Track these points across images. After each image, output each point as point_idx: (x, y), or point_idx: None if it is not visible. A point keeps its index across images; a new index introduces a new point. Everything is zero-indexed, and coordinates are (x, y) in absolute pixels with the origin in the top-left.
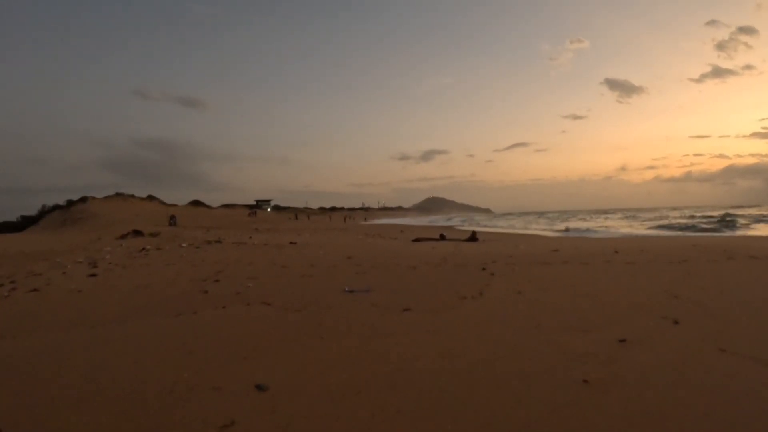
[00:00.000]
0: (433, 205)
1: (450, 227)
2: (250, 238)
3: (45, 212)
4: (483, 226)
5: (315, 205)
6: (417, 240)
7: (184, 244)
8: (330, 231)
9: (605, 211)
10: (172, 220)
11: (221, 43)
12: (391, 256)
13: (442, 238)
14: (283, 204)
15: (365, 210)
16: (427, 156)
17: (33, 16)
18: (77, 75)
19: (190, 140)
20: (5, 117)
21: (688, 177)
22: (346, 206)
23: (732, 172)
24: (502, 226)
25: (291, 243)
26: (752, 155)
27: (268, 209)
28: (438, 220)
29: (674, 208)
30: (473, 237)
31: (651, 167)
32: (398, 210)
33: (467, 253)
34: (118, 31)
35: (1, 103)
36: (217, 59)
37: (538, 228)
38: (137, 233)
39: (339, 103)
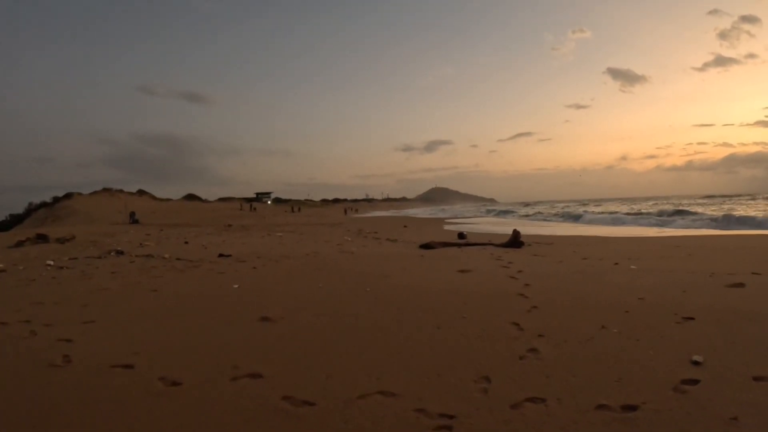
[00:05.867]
0: (437, 195)
1: (452, 219)
2: (186, 243)
3: (32, 210)
4: (494, 215)
5: (318, 197)
6: (428, 246)
7: (50, 262)
8: (317, 227)
9: (629, 200)
10: (132, 217)
11: (225, 38)
12: (374, 317)
13: (461, 238)
14: (285, 196)
15: (369, 201)
16: (431, 147)
17: (37, 16)
18: (82, 73)
19: (195, 135)
20: (13, 116)
21: (689, 166)
22: (349, 198)
23: (734, 161)
24: (525, 218)
25: (221, 256)
26: (756, 143)
27: (269, 202)
28: (440, 211)
29: (684, 197)
30: (516, 240)
31: (652, 156)
32: (402, 201)
33: (567, 299)
34: (122, 28)
35: (9, 103)
36: (222, 54)
37: (558, 217)
38: (41, 237)
39: (342, 96)
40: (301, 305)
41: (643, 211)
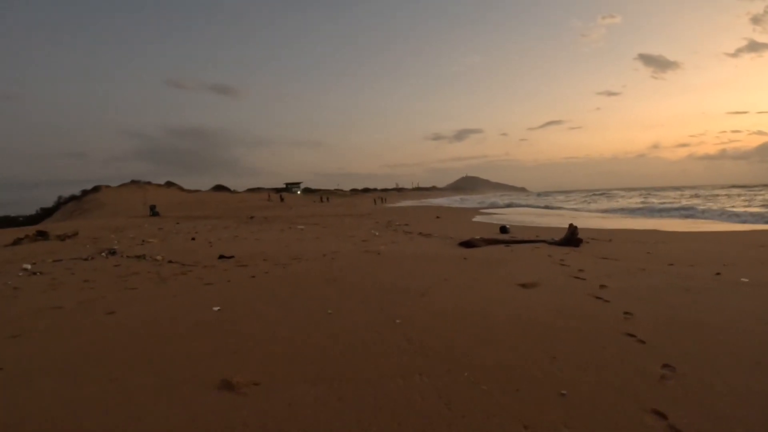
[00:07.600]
0: (467, 184)
1: (486, 209)
2: (193, 239)
3: (61, 203)
4: (526, 206)
5: (348, 187)
6: (469, 245)
7: (27, 266)
8: (344, 218)
9: (663, 189)
10: (153, 210)
11: (254, 31)
12: (404, 387)
13: (504, 233)
14: (315, 186)
15: (398, 191)
16: (461, 135)
17: (68, 12)
18: (113, 68)
19: (224, 127)
20: (46, 113)
21: (723, 154)
22: (379, 187)
23: None
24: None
25: (222, 258)
26: None
27: (298, 192)
28: (459, 201)
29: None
30: (573, 238)
31: (684, 144)
32: (432, 190)
33: (705, 345)
34: (151, 22)
35: (42, 100)
36: (250, 46)
37: (598, 208)
38: (41, 234)
39: (371, 86)
40: (291, 355)
41: (686, 203)
